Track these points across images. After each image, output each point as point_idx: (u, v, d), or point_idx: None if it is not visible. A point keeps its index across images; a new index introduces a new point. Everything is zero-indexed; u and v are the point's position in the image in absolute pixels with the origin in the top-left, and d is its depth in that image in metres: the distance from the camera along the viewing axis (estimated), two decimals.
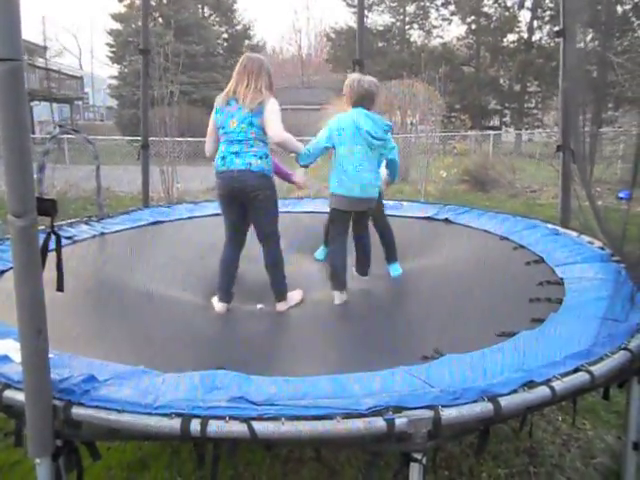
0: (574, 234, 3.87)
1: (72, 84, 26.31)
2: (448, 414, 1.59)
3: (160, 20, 23.13)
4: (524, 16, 25.90)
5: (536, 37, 25.68)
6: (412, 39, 28.79)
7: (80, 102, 30.25)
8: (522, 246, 3.90)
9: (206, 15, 27.75)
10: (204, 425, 1.49)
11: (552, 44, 24.64)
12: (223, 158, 3.03)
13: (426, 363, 1.94)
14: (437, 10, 28.01)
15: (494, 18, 26.22)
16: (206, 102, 22.76)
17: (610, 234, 3.13)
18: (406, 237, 4.31)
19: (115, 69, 26.50)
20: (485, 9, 26.31)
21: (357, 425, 1.53)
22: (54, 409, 1.56)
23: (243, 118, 2.97)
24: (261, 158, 2.99)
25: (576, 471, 2.63)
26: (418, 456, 1.59)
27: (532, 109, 27.42)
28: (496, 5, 26.16)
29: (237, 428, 1.50)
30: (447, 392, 1.65)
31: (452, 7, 27.28)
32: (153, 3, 22.90)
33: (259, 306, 3.20)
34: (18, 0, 1.36)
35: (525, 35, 25.74)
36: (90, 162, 5.04)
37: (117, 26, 25.62)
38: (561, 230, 4.04)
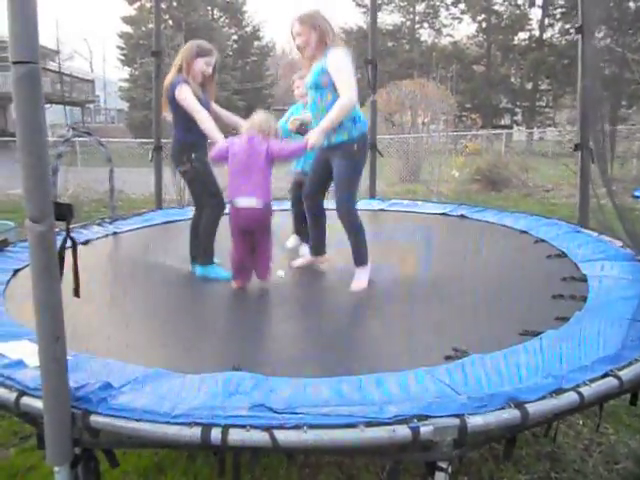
0: (594, 234, 3.80)
1: (83, 87, 26.53)
2: (474, 422, 1.54)
3: (170, 22, 23.22)
4: (535, 14, 25.70)
5: (547, 35, 25.46)
6: (422, 38, 28.68)
7: (92, 105, 30.47)
8: (542, 240, 3.86)
9: (216, 17, 27.82)
10: (225, 434, 1.46)
11: (563, 42, 24.45)
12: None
13: (449, 364, 1.91)
14: (447, 9, 27.89)
15: (505, 16, 26.03)
16: (217, 103, 22.82)
17: (633, 233, 3.06)
18: (424, 232, 4.30)
19: (126, 72, 26.67)
20: (496, 7, 26.14)
21: (381, 434, 1.49)
22: (72, 417, 1.53)
23: None
24: None
25: (599, 477, 2.56)
26: (444, 465, 1.55)
27: (544, 107, 27.19)
28: (507, 3, 25.98)
29: (259, 437, 1.46)
30: (473, 399, 1.61)
31: (462, 6, 27.12)
32: (164, 6, 22.98)
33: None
34: (35, 2, 1.34)
35: (536, 33, 25.53)
36: (101, 164, 5.04)
37: (127, 29, 25.77)
38: (580, 229, 3.98)
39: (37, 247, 1.41)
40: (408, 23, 28.50)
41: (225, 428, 1.47)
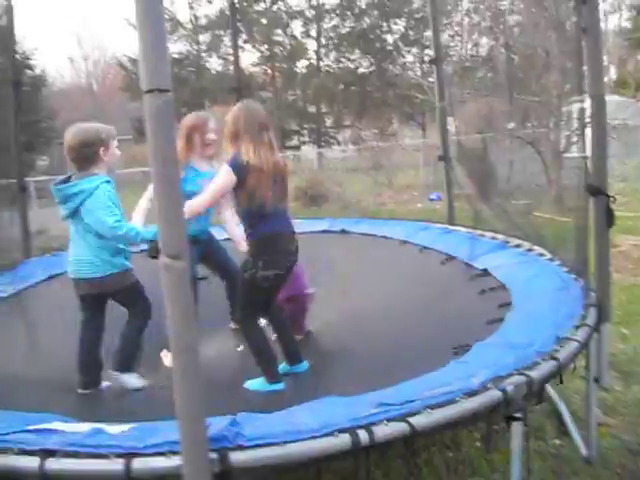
0: (462, 230, 4.52)
1: None
2: (535, 375, 1.90)
3: None
4: (311, 44, 28.21)
5: (324, 63, 28.16)
6: (210, 66, 29.14)
7: None
8: (426, 247, 4.35)
9: None
10: (370, 433, 1.55)
11: (337, 70, 27.48)
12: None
13: (468, 352, 2.24)
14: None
15: (285, 46, 28.06)
16: None
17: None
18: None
19: None
20: (275, 37, 27.99)
21: (481, 400, 1.75)
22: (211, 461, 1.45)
23: None
24: None
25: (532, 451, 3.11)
26: (519, 415, 1.87)
27: (328, 128, 29.96)
28: (284, 34, 28.05)
29: (399, 427, 1.59)
30: (519, 358, 1.98)
31: (244, 36, 28.37)
32: None
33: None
34: (164, 29, 1.29)
35: (314, 62, 28.08)
36: None
37: None
38: (450, 228, 4.70)
39: (177, 286, 1.33)
40: (195, 52, 28.68)
41: (368, 427, 1.57)
